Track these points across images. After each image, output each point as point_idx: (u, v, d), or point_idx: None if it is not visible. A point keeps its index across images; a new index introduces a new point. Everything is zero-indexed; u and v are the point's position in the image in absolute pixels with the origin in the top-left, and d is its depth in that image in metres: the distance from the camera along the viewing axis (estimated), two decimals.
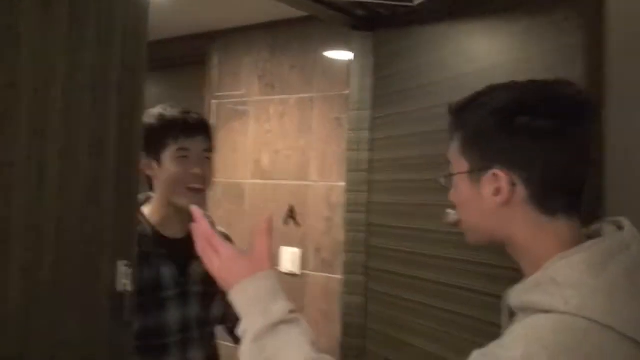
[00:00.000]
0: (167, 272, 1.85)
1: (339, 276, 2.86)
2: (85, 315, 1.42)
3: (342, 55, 3.05)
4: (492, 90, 1.16)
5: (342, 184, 2.85)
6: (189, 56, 3.72)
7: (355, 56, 2.77)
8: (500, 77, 1.95)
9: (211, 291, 1.90)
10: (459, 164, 1.14)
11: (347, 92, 2.85)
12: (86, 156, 1.43)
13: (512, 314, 1.12)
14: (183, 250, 1.77)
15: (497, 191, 1.08)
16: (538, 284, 1.01)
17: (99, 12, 1.45)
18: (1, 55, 1.29)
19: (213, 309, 1.97)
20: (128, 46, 1.50)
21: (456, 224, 1.22)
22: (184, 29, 3.55)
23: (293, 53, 3.21)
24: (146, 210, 1.90)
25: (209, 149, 1.90)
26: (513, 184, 1.07)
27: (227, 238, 1.91)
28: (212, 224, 1.66)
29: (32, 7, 1.33)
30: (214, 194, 3.45)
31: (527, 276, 1.08)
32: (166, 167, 1.84)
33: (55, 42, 1.37)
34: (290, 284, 3.09)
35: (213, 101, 3.50)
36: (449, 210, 1.25)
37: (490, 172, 1.08)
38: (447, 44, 2.29)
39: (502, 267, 1.94)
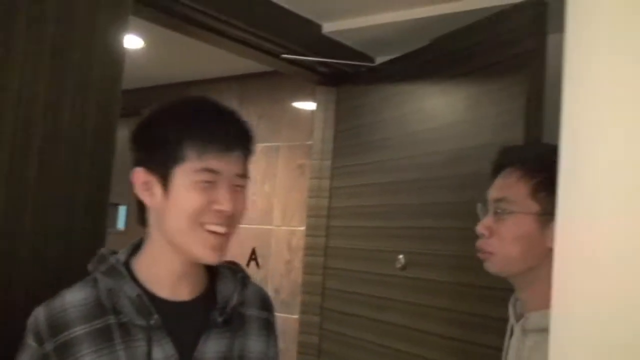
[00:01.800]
0: (160, 354, 1.14)
1: (296, 316, 2.88)
2: None
3: (307, 105, 3.12)
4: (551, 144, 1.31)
5: (303, 228, 2.90)
6: None
7: (318, 109, 2.85)
8: (454, 135, 2.06)
9: None
10: (525, 204, 1.23)
11: (310, 142, 2.92)
12: (61, 193, 1.47)
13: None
14: (192, 319, 1.20)
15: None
16: None
17: (79, 60, 1.50)
18: None
19: None
20: (104, 94, 1.55)
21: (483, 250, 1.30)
22: (158, 79, 3.61)
23: (261, 104, 3.28)
24: (135, 261, 1.21)
25: (245, 174, 1.18)
26: None
27: (266, 302, 1.33)
28: (245, 284, 1.26)
29: (21, 59, 1.39)
30: None
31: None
32: (178, 196, 1.13)
33: (38, 91, 1.42)
34: None
35: None
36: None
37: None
38: (404, 103, 2.38)
39: (456, 310, 2.00)
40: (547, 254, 1.20)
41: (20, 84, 1.39)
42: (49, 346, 1.13)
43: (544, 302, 1.19)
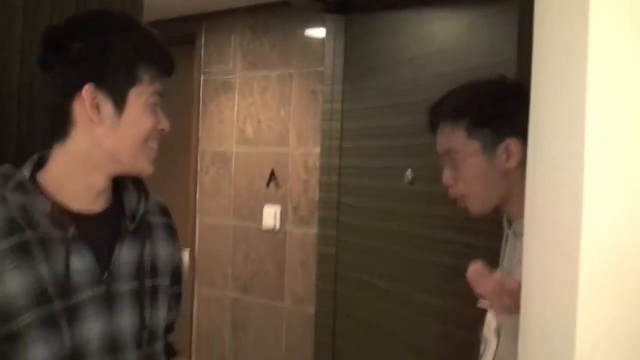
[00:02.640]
0: (80, 264, 1.18)
1: (314, 230, 3.08)
2: None
3: (318, 32, 3.20)
4: (470, 85, 1.45)
5: (318, 150, 3.06)
6: (178, 36, 3.86)
7: (328, 37, 2.95)
8: (453, 58, 2.18)
9: (151, 287, 1.29)
10: (467, 147, 1.38)
11: (322, 68, 3.04)
12: None
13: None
14: (104, 230, 1.24)
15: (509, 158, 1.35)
16: None
17: None
18: None
19: (155, 315, 1.29)
20: None
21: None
22: (174, 11, 3.69)
23: (273, 33, 3.37)
24: (42, 176, 1.21)
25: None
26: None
27: (165, 209, 1.41)
28: (148, 194, 1.31)
29: None
30: (204, 161, 3.64)
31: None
32: (133, 117, 1.18)
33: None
34: (272, 238, 3.30)
35: (202, 77, 3.67)
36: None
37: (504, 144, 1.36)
38: (407, 29, 2.48)
39: (455, 218, 2.16)
40: (508, 174, 1.36)
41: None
42: None
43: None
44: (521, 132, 1.13)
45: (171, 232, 1.39)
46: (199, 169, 3.67)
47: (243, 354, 3.41)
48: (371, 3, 2.70)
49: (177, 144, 3.76)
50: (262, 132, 3.41)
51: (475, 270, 1.14)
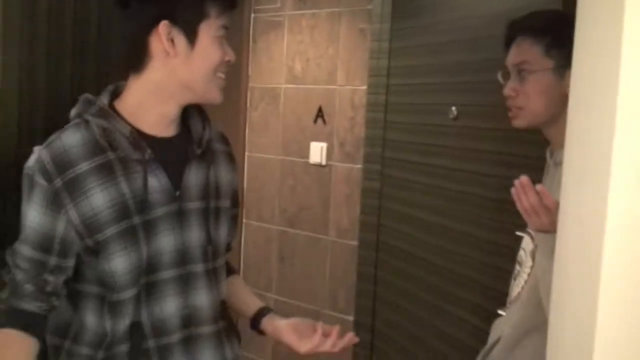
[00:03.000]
0: (156, 183, 1.30)
1: (359, 166, 3.15)
2: None
3: None
4: (554, 10, 1.50)
5: (364, 87, 3.10)
6: None
7: None
8: None
9: (215, 207, 1.41)
10: (541, 62, 1.42)
11: (370, 6, 3.05)
12: None
13: None
14: (175, 153, 1.35)
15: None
16: None
17: None
18: None
19: (218, 233, 1.41)
20: None
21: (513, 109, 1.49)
22: None
23: None
24: (119, 103, 1.33)
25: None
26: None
27: (225, 138, 1.53)
28: (211, 123, 1.43)
29: None
30: (253, 98, 3.71)
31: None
32: (204, 48, 1.28)
33: None
34: (318, 173, 3.39)
35: (252, 14, 3.71)
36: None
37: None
38: None
39: (500, 152, 2.21)
40: (564, 101, 1.40)
41: None
42: (58, 183, 1.24)
43: None
44: None
45: (231, 159, 1.51)
46: (247, 105, 3.75)
47: (288, 283, 3.56)
48: None
49: (226, 81, 3.83)
50: (310, 70, 3.45)
51: (521, 181, 1.22)
